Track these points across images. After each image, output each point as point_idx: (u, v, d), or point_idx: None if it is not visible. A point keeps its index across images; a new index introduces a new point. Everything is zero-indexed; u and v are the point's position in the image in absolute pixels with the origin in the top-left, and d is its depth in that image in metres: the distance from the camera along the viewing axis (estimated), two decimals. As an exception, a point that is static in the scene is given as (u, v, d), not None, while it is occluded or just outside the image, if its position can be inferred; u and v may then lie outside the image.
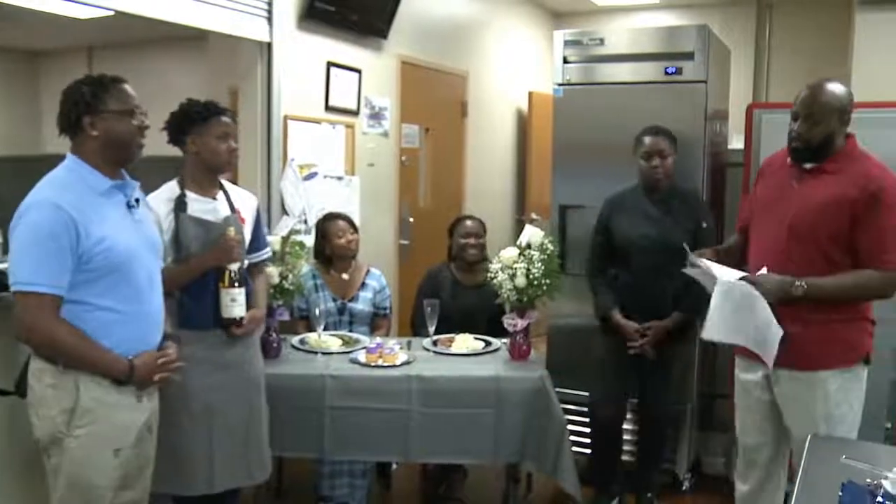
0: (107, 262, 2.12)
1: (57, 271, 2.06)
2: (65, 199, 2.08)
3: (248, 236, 2.83)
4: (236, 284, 2.67)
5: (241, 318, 2.70)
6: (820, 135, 2.55)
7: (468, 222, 3.98)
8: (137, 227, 2.26)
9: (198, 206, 2.73)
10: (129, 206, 2.25)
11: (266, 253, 3.02)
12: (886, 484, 1.77)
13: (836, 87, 2.57)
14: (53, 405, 2.13)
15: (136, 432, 2.25)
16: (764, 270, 2.56)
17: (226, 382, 2.72)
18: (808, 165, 2.62)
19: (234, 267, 2.67)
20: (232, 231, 2.69)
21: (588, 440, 3.78)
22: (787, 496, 2.85)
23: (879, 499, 1.73)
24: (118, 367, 2.16)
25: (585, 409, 3.77)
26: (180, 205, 2.69)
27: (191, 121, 2.70)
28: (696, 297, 3.23)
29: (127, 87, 2.22)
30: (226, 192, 2.83)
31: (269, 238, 3.22)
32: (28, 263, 2.06)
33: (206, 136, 2.70)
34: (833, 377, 2.59)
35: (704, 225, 3.36)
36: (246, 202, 2.89)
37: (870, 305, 2.66)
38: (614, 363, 3.46)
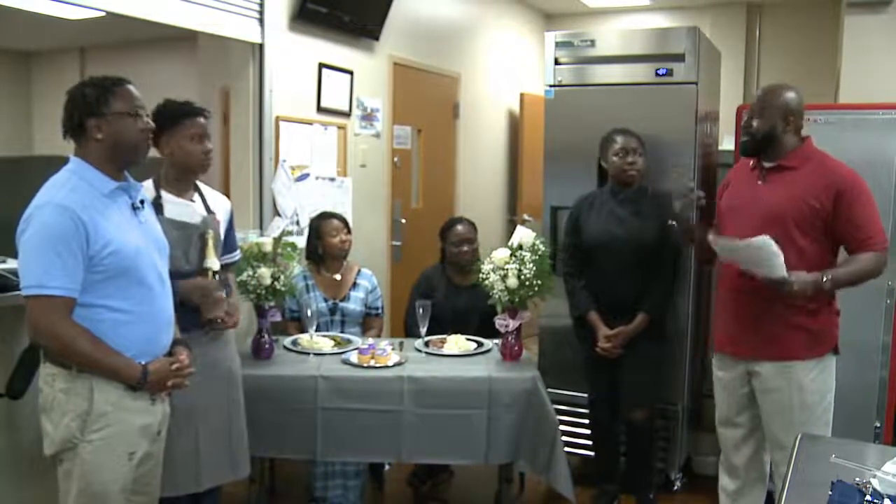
0: (115, 263, 2.09)
1: (69, 273, 2.03)
2: (72, 201, 2.05)
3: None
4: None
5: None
6: (762, 128, 2.72)
7: (459, 227, 3.95)
8: (143, 228, 2.24)
9: (174, 208, 2.71)
10: (135, 208, 2.23)
11: (237, 255, 3.04)
12: (875, 483, 1.77)
13: (786, 91, 2.76)
14: (67, 410, 2.09)
15: (149, 435, 2.23)
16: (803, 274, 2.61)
17: (208, 380, 2.71)
18: (767, 165, 2.76)
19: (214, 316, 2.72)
20: (222, 294, 2.72)
21: (581, 440, 3.80)
22: (770, 494, 2.91)
23: (868, 497, 1.74)
24: (131, 373, 2.13)
25: (578, 410, 3.78)
26: (156, 207, 2.65)
27: (162, 122, 2.66)
28: (660, 297, 3.29)
29: (131, 88, 2.18)
30: (201, 194, 2.82)
31: (261, 239, 3.25)
32: (39, 266, 2.02)
33: (178, 138, 2.68)
34: (807, 367, 2.73)
35: (671, 223, 3.38)
36: (220, 205, 2.89)
37: (836, 297, 2.79)
38: (593, 362, 3.49)
